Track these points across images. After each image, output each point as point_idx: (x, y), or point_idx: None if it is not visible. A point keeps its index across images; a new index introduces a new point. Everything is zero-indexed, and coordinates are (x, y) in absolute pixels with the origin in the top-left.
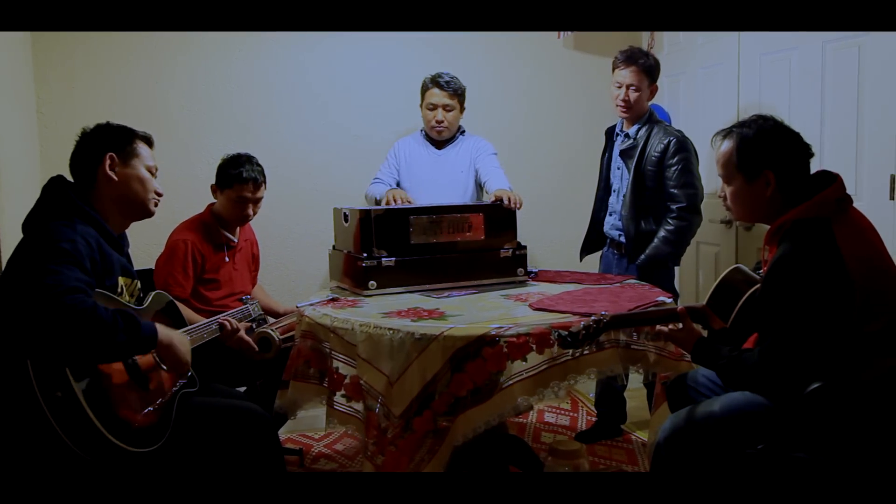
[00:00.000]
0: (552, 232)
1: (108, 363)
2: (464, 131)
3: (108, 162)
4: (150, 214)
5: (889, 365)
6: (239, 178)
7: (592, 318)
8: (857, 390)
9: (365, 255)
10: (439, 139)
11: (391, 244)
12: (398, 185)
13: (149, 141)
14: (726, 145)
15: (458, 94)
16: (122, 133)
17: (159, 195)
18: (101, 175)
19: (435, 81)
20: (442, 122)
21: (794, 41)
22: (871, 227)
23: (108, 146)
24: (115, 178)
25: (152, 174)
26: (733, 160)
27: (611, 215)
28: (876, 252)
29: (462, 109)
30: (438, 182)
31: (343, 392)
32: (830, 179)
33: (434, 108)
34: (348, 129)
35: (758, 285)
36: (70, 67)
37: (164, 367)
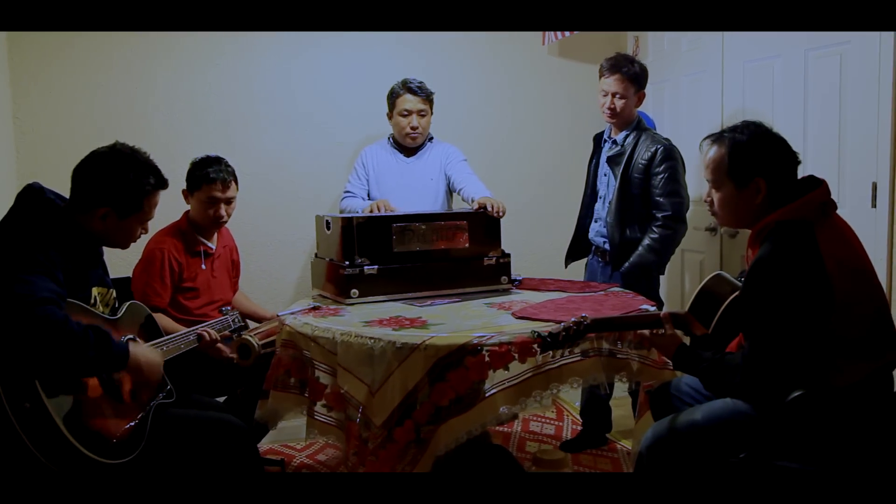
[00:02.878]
0: (537, 239)
1: (77, 378)
2: (432, 138)
3: (102, 213)
4: (125, 248)
5: (868, 369)
6: (206, 178)
7: (573, 319)
8: (835, 396)
9: (347, 263)
10: (413, 146)
11: (374, 252)
12: (368, 195)
13: (164, 188)
14: (717, 150)
15: (430, 98)
16: (135, 191)
17: (143, 233)
18: (92, 214)
19: (407, 87)
20: (417, 128)
21: (776, 49)
22: (853, 234)
23: (111, 200)
24: (105, 226)
25: (144, 227)
26: (724, 166)
27: (596, 222)
28: (857, 257)
29: (432, 114)
30: (409, 190)
31: (324, 402)
32: (816, 184)
33: (408, 114)
34: (332, 135)
35: (739, 291)
36: (47, 72)
37: (137, 380)
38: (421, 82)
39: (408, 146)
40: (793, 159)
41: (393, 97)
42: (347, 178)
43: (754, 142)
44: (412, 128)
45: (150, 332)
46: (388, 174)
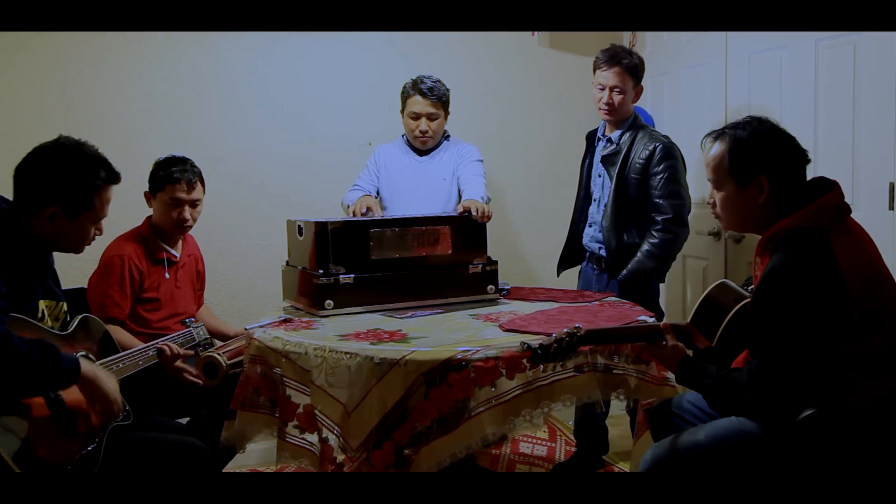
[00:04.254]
0: (526, 245)
1: (24, 397)
2: (448, 136)
3: (50, 213)
4: (79, 252)
5: (887, 386)
6: (170, 178)
7: (566, 330)
8: (851, 414)
9: (321, 271)
10: (423, 148)
11: (350, 260)
12: (378, 193)
13: (116, 182)
14: (717, 148)
15: (443, 100)
16: (84, 187)
17: (97, 235)
18: (39, 215)
19: (417, 88)
20: (426, 132)
21: (784, 39)
22: (868, 239)
23: (58, 199)
24: (54, 228)
25: (98, 227)
26: (725, 164)
27: (590, 226)
28: (874, 265)
29: (447, 115)
30: (419, 191)
31: (296, 422)
32: (828, 187)
33: (417, 117)
34: (304, 134)
35: (746, 300)
36: None
37: (92, 403)
38: (435, 82)
39: (419, 148)
40: (800, 157)
41: (404, 96)
42: (323, 178)
43: (756, 137)
44: (421, 131)
45: (107, 348)
46: (399, 174)
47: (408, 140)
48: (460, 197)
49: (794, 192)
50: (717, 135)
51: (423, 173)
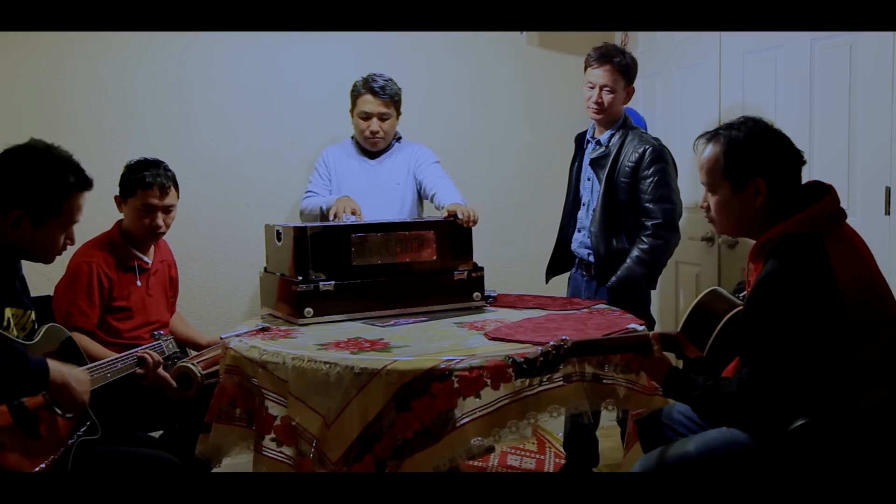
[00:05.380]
0: (514, 251)
1: None
2: (400, 138)
3: (14, 217)
4: (49, 262)
5: (881, 395)
6: (142, 182)
7: (552, 343)
8: (845, 424)
9: (300, 278)
10: (374, 150)
11: (330, 266)
12: None
13: (87, 188)
14: (712, 149)
15: (395, 99)
16: (51, 191)
17: (69, 244)
18: (2, 219)
19: (368, 86)
20: (377, 132)
21: (780, 39)
22: (864, 246)
23: (23, 202)
24: (19, 233)
25: (68, 235)
26: (720, 166)
27: (579, 232)
28: (870, 273)
29: (399, 115)
30: (372, 196)
31: (273, 435)
32: (824, 191)
33: (368, 117)
34: (284, 136)
35: (738, 308)
36: None
37: (59, 411)
38: (387, 81)
39: (369, 150)
40: (796, 159)
41: (354, 95)
42: (307, 179)
43: (752, 138)
44: (371, 132)
45: (69, 359)
46: (349, 178)
47: (357, 142)
48: (420, 203)
49: (791, 196)
50: (711, 136)
51: (375, 177)
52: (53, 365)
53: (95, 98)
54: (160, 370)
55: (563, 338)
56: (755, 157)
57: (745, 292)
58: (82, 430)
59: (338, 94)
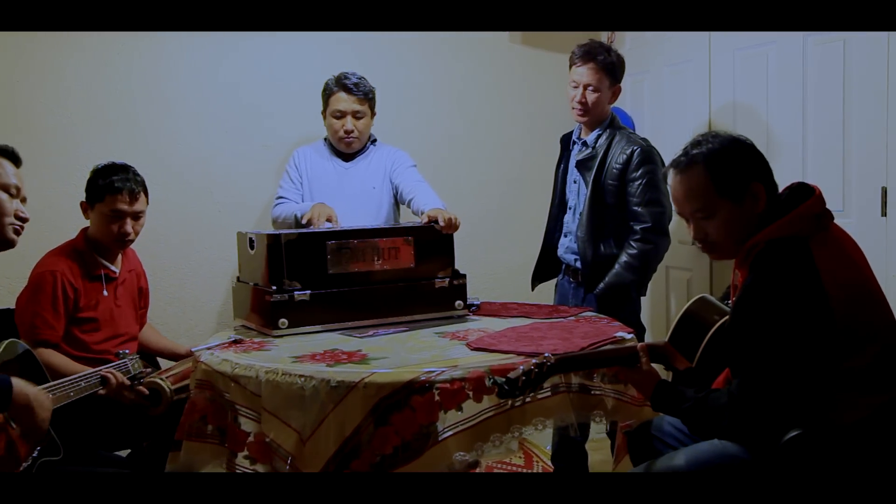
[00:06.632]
0: (497, 257)
1: None
2: (375, 140)
3: None
4: (9, 244)
5: (874, 404)
6: (110, 188)
7: (534, 361)
8: (837, 435)
9: (274, 287)
10: (349, 151)
11: (305, 275)
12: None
13: (9, 155)
14: (692, 175)
15: (369, 97)
16: None
17: (22, 220)
18: None
19: (341, 84)
20: (352, 131)
21: (771, 35)
22: (855, 248)
23: None
24: None
25: (10, 194)
26: (710, 187)
27: (566, 236)
28: (860, 276)
29: (373, 115)
30: (346, 200)
31: (246, 452)
32: (808, 193)
33: (342, 115)
34: (257, 138)
35: (727, 317)
36: None
37: (14, 427)
38: (360, 78)
39: (342, 151)
40: (765, 160)
41: (326, 94)
42: (276, 187)
43: (729, 146)
44: (346, 131)
45: (26, 373)
46: (322, 181)
47: (330, 144)
48: (396, 207)
49: (776, 201)
50: (684, 162)
51: (350, 180)
52: (18, 384)
53: (62, 100)
54: (125, 391)
55: (546, 354)
56: (742, 163)
57: (731, 298)
58: (38, 448)
59: (312, 96)
